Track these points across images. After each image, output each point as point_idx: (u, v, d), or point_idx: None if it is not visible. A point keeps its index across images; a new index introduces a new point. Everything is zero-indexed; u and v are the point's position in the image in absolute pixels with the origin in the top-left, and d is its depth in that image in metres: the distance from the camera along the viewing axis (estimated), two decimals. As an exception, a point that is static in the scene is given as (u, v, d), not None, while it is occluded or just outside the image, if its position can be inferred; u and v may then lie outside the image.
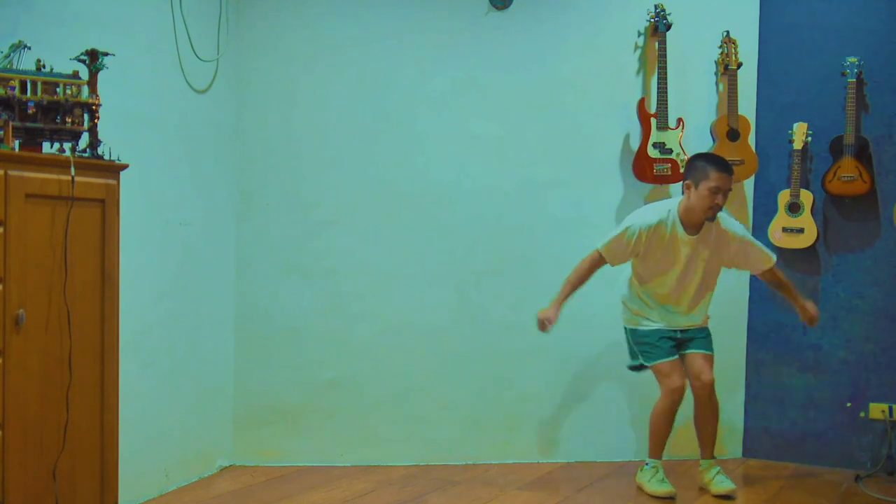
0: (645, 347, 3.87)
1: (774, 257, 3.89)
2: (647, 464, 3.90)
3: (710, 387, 3.82)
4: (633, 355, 3.98)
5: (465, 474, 4.12)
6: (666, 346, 3.84)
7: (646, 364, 3.89)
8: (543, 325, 3.76)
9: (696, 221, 3.77)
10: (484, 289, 4.33)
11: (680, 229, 3.78)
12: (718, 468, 3.88)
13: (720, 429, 4.37)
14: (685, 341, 3.89)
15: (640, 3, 4.31)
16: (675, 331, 3.88)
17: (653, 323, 3.88)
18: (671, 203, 3.85)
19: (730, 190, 3.73)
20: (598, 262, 3.83)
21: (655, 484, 3.82)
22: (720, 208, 3.72)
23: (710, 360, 3.87)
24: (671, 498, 3.77)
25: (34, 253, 2.51)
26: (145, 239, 3.53)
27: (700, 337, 3.90)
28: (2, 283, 2.42)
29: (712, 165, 3.70)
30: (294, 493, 3.78)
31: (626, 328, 3.98)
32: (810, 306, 3.88)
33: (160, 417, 3.68)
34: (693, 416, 3.92)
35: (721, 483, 3.81)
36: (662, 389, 3.83)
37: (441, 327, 4.30)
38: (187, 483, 3.87)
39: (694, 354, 3.86)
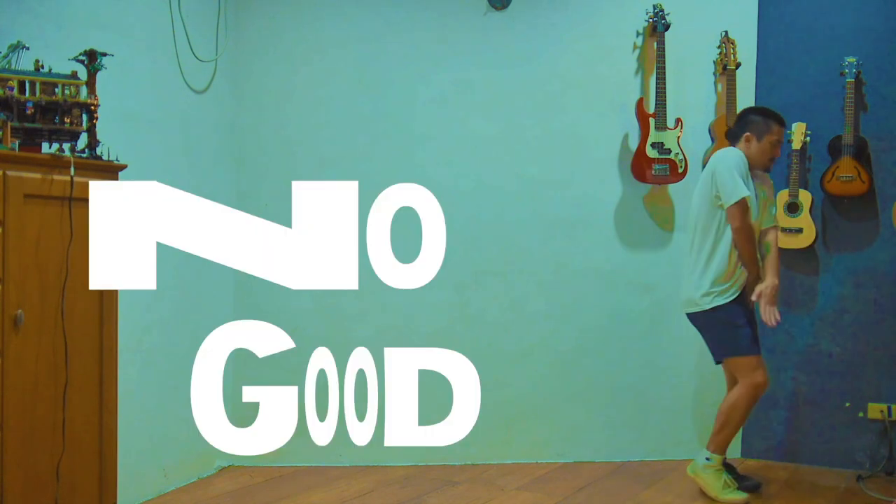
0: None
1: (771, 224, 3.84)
2: (707, 458, 3.77)
3: None
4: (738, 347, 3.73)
5: (465, 474, 4.12)
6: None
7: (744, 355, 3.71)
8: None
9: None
10: (483, 289, 4.33)
11: None
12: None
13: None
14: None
15: (639, 3, 4.32)
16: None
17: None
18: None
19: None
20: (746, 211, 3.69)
21: (729, 493, 3.72)
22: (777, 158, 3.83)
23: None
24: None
25: (33, 253, 2.51)
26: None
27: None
28: (1, 283, 2.42)
29: (773, 120, 3.80)
30: (293, 494, 3.78)
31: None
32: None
33: (159, 418, 3.68)
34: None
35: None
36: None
37: (439, 327, 4.30)
38: (186, 483, 3.87)
39: None
